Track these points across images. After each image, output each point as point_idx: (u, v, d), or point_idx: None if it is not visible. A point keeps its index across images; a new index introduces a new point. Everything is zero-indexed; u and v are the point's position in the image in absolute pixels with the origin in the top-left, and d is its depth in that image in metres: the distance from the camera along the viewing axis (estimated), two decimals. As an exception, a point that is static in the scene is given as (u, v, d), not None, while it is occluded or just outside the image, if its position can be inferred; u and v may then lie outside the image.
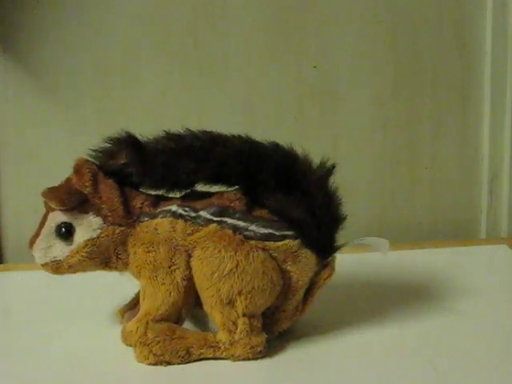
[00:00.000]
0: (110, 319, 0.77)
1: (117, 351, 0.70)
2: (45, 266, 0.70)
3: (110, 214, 0.69)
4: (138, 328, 0.68)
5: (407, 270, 0.90)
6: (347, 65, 1.04)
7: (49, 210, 0.70)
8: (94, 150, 0.70)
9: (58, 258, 0.69)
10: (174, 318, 0.69)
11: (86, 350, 0.71)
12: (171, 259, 0.68)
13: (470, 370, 0.67)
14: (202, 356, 0.68)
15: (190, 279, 0.68)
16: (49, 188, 0.68)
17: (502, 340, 0.73)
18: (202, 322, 0.73)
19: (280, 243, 0.68)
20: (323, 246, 0.71)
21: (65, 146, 1.02)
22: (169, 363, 0.67)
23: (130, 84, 1.02)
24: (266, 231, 0.68)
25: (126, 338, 0.70)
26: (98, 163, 0.70)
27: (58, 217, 0.69)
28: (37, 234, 0.70)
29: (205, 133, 0.70)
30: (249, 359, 0.68)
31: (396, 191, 1.08)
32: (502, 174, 1.08)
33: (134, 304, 0.75)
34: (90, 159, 0.70)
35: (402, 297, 0.82)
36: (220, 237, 0.67)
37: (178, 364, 0.67)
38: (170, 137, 0.70)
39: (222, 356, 0.68)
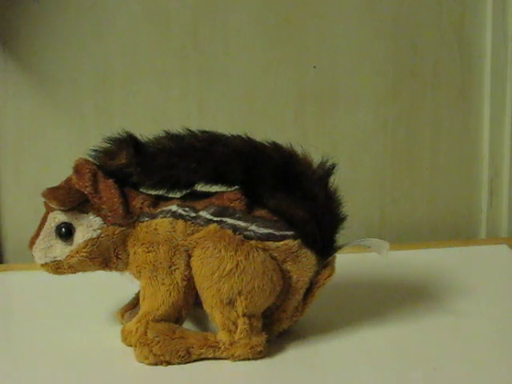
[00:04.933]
0: (110, 319, 0.77)
1: (117, 351, 0.70)
2: (45, 266, 0.70)
3: (109, 214, 0.69)
4: (137, 328, 0.68)
5: (407, 270, 0.90)
6: (347, 65, 1.04)
7: (49, 210, 0.70)
8: (95, 150, 0.70)
9: (58, 259, 0.69)
10: (174, 317, 0.69)
11: (86, 350, 0.71)
12: (171, 259, 0.68)
13: (470, 370, 0.67)
14: (202, 356, 0.68)
15: (189, 279, 0.68)
16: (49, 188, 0.68)
17: (502, 340, 0.73)
18: (202, 322, 0.73)
19: (280, 243, 0.68)
20: (324, 246, 0.71)
21: (65, 146, 1.02)
22: (169, 363, 0.67)
23: (130, 84, 1.02)
24: (266, 231, 0.68)
25: (125, 338, 0.70)
26: (98, 163, 0.70)
27: (57, 217, 0.69)
28: (36, 235, 0.70)
29: (205, 133, 0.70)
30: (249, 359, 0.68)
31: (396, 191, 1.08)
32: (502, 174, 1.08)
33: (133, 304, 0.75)
34: (90, 159, 0.70)
35: (401, 297, 0.82)
36: (220, 237, 0.67)
37: (178, 364, 0.67)
38: (170, 137, 0.70)
39: (222, 356, 0.68)
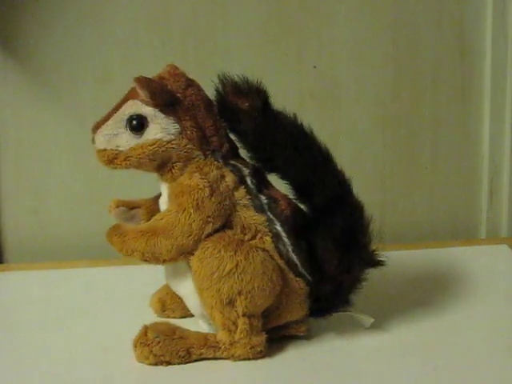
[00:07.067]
0: (110, 319, 0.77)
1: (117, 351, 0.70)
2: (102, 152, 0.67)
3: (189, 127, 0.67)
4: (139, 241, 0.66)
5: (407, 270, 0.90)
6: (347, 65, 1.04)
7: (130, 96, 0.68)
8: (224, 77, 0.69)
9: (119, 149, 0.67)
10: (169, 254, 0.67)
11: (85, 350, 0.71)
12: (214, 212, 0.67)
13: (470, 371, 0.67)
14: (202, 356, 0.68)
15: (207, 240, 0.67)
16: (143, 76, 0.66)
17: (502, 340, 0.73)
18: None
19: (293, 276, 0.69)
20: (322, 306, 0.71)
21: (64, 146, 1.02)
22: (169, 363, 0.67)
23: (130, 83, 1.01)
24: (293, 259, 0.68)
25: (122, 242, 0.67)
26: (219, 89, 0.69)
27: (136, 107, 0.67)
28: (105, 119, 0.68)
29: (326, 150, 0.71)
30: (249, 359, 0.68)
31: (396, 191, 1.08)
32: (502, 173, 1.08)
33: (131, 203, 0.73)
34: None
35: (401, 297, 0.82)
36: (219, 237, 0.67)
37: (178, 364, 0.67)
38: (301, 126, 0.71)
39: (222, 356, 0.68)
